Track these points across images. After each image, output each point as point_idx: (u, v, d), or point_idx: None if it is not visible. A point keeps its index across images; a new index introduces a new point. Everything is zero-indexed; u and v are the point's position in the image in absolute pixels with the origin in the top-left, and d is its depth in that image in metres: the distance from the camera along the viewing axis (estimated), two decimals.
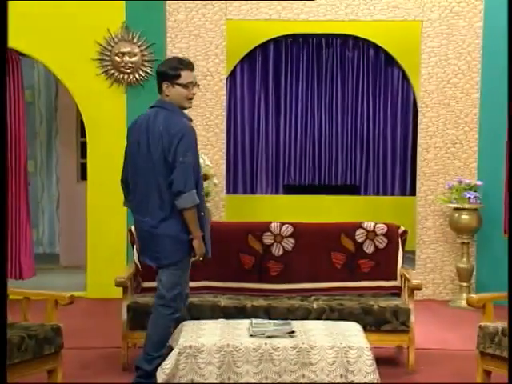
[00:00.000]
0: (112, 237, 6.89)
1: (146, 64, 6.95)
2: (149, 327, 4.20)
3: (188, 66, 4.17)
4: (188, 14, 7.01)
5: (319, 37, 9.95)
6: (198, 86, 4.34)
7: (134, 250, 5.19)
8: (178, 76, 4.13)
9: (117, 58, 6.90)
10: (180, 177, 4.00)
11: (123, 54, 6.90)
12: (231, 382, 3.79)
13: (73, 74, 6.88)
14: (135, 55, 6.92)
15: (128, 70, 6.91)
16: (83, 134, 7.55)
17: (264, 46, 9.82)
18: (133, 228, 5.22)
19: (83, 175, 7.97)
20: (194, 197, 4.03)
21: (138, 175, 4.21)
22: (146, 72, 6.94)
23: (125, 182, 4.40)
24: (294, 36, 9.84)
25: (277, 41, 9.84)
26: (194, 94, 4.17)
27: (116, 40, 6.91)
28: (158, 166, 4.08)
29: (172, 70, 4.15)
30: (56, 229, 9.24)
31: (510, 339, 3.60)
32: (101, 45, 6.91)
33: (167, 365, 3.85)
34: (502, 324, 4.11)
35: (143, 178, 4.17)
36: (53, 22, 6.82)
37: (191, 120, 4.25)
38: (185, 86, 4.14)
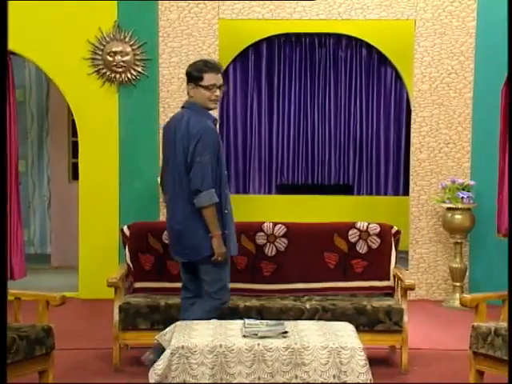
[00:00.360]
0: (104, 237, 6.86)
1: (138, 63, 6.92)
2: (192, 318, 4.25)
3: (212, 68, 4.30)
4: (180, 13, 6.98)
5: (312, 36, 9.93)
6: (222, 87, 4.37)
7: (126, 250, 5.17)
8: (201, 78, 4.27)
9: (109, 57, 6.86)
10: (197, 176, 4.17)
11: (115, 53, 6.86)
12: (224, 382, 3.76)
13: (64, 74, 6.84)
14: (127, 54, 6.89)
15: (120, 70, 6.88)
16: (75, 134, 7.52)
17: (257, 46, 9.79)
18: (125, 228, 5.23)
19: (75, 175, 7.94)
20: (212, 195, 4.18)
21: (168, 174, 4.40)
22: (138, 71, 6.91)
23: (161, 181, 4.62)
24: (287, 35, 9.82)
25: (270, 40, 9.82)
26: (217, 96, 4.30)
27: (108, 39, 6.87)
28: (182, 165, 4.26)
29: (196, 72, 4.31)
30: (47, 229, 9.20)
31: (510, 339, 3.59)
32: (92, 44, 6.87)
33: (159, 365, 3.82)
34: (494, 324, 4.10)
35: (171, 177, 4.36)
36: (44, 20, 6.79)
37: (216, 120, 4.39)
38: (207, 87, 4.27)
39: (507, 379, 3.49)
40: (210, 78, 4.27)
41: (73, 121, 7.45)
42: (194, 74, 4.30)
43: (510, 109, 6.16)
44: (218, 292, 4.39)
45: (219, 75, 4.32)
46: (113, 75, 6.89)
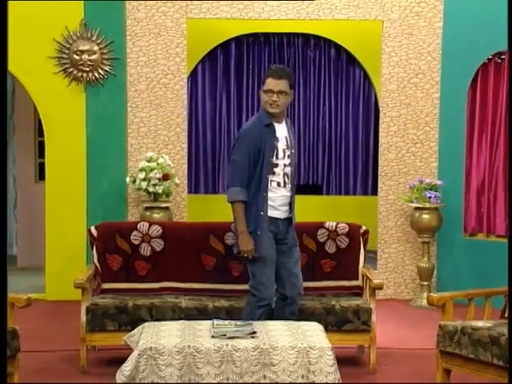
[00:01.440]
0: (71, 238, 6.80)
1: (105, 62, 6.86)
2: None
3: (272, 74, 4.48)
4: (148, 12, 6.93)
5: (281, 36, 9.94)
6: (283, 93, 4.46)
7: (94, 250, 5.12)
8: (263, 82, 4.50)
9: (75, 56, 6.79)
10: (228, 173, 4.59)
11: (82, 51, 6.80)
12: (192, 383, 3.74)
13: (30, 72, 6.76)
14: (94, 53, 6.83)
15: (87, 69, 6.81)
16: (41, 134, 7.44)
17: (225, 45, 9.77)
18: (92, 228, 5.18)
19: (41, 175, 7.85)
20: (237, 193, 4.45)
21: None
22: (106, 70, 6.86)
23: None
24: (256, 35, 9.81)
25: (238, 40, 9.80)
26: (274, 101, 4.41)
27: (74, 38, 6.81)
28: None
29: (263, 77, 4.56)
30: (13, 230, 9.08)
31: (510, 340, 3.61)
32: (59, 42, 6.80)
33: (127, 367, 3.78)
34: (461, 323, 4.13)
35: None
36: (9, 18, 6.67)
37: (271, 125, 4.45)
38: (265, 91, 4.46)
39: (508, 379, 3.51)
40: (268, 83, 4.45)
41: (39, 120, 7.36)
42: (262, 80, 4.56)
43: (510, 107, 6.20)
44: (253, 288, 4.51)
45: (280, 81, 4.44)
46: (80, 74, 6.82)
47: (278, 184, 4.51)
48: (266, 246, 4.48)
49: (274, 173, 4.48)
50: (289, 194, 4.58)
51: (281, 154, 4.50)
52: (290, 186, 4.57)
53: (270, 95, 4.43)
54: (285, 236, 4.59)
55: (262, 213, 4.45)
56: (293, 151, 4.57)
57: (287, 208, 4.60)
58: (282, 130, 4.54)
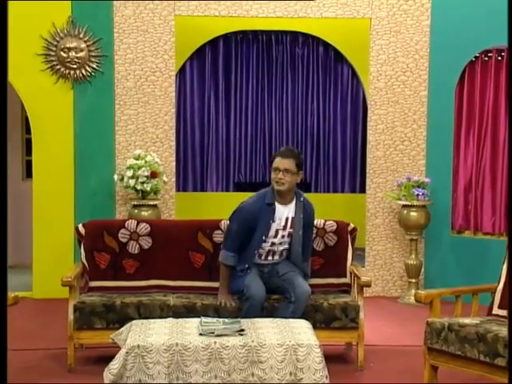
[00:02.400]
0: (59, 235, 6.77)
1: (92, 60, 6.84)
2: None
3: (280, 153, 4.77)
4: (136, 9, 6.91)
5: (269, 33, 9.93)
6: (290, 172, 4.71)
7: (81, 248, 5.10)
8: (271, 161, 4.77)
9: (63, 53, 6.77)
10: (224, 236, 4.91)
11: (69, 49, 6.77)
12: (180, 381, 3.74)
13: (17, 70, 6.69)
14: (82, 50, 6.80)
15: (74, 66, 6.79)
16: (28, 131, 7.40)
17: (213, 43, 9.74)
18: (80, 226, 5.16)
19: (28, 173, 7.81)
20: (226, 258, 4.76)
21: None
22: (93, 68, 6.84)
23: None
24: (244, 32, 9.80)
25: (226, 37, 9.78)
26: (280, 179, 4.68)
27: (62, 35, 6.78)
28: None
29: (272, 157, 4.84)
30: None
31: (510, 339, 3.62)
32: (46, 40, 6.77)
33: (114, 365, 3.78)
34: (448, 320, 4.15)
35: None
36: None
37: (271, 203, 4.73)
38: (273, 170, 4.74)
39: (508, 379, 3.51)
40: (276, 162, 4.73)
41: (26, 118, 7.32)
42: (270, 160, 4.85)
43: (509, 104, 6.22)
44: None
45: (286, 160, 4.69)
46: (67, 71, 6.80)
47: (260, 256, 4.82)
48: (254, 284, 4.66)
49: (260, 247, 4.77)
50: (271, 262, 4.86)
51: (271, 233, 4.75)
52: (276, 257, 4.85)
53: (277, 173, 4.69)
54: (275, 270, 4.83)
55: (240, 273, 4.76)
56: (291, 231, 4.78)
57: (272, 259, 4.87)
58: (284, 211, 4.77)
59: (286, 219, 4.77)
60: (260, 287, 4.65)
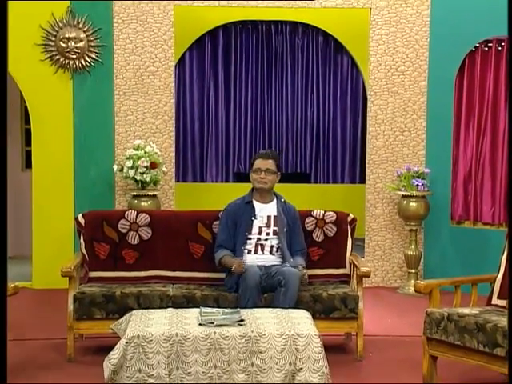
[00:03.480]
0: (58, 226, 6.77)
1: (92, 50, 6.82)
2: None
3: (261, 155, 5.03)
4: None
5: (269, 23, 9.91)
6: (271, 172, 4.97)
7: (81, 239, 5.10)
8: (251, 165, 5.00)
9: (62, 44, 6.75)
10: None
11: (68, 39, 6.75)
12: (179, 371, 3.75)
13: (16, 60, 6.68)
14: (81, 40, 6.78)
15: (74, 56, 6.77)
16: (27, 121, 7.39)
17: (213, 33, 9.73)
18: (79, 216, 5.16)
19: (28, 163, 7.80)
20: (219, 255, 4.88)
21: None
22: (93, 58, 6.82)
23: None
24: (244, 22, 9.78)
25: (226, 27, 9.76)
26: (262, 178, 4.93)
27: (61, 25, 6.76)
28: None
29: (251, 160, 5.07)
30: None
31: (510, 338, 3.63)
32: (45, 29, 6.75)
33: (114, 355, 3.79)
34: (448, 310, 4.15)
35: None
36: None
37: (250, 202, 4.97)
38: (254, 171, 4.96)
39: (508, 379, 3.52)
40: (256, 163, 4.96)
41: (26, 108, 7.31)
42: (250, 163, 5.06)
43: (509, 94, 6.20)
44: None
45: (267, 161, 4.94)
46: (66, 62, 6.78)
47: (249, 251, 4.90)
48: (248, 267, 4.71)
49: (246, 243, 4.90)
50: (261, 258, 4.89)
51: (255, 230, 4.90)
52: (266, 253, 4.91)
53: (259, 173, 4.93)
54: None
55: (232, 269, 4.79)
56: (275, 229, 4.92)
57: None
58: (265, 209, 4.96)
59: (268, 217, 4.95)
60: (254, 267, 4.69)
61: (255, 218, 4.93)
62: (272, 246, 4.92)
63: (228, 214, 4.98)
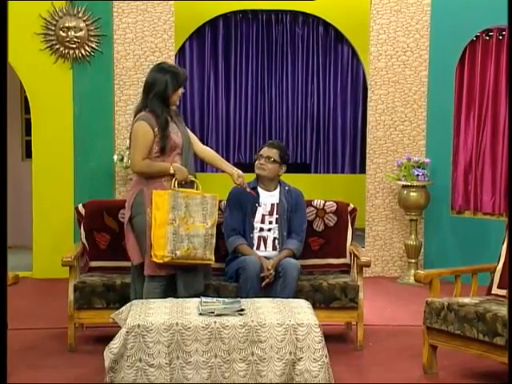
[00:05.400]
0: (59, 216, 6.78)
1: (92, 39, 6.80)
2: None
3: (267, 144, 5.02)
4: None
5: (269, 13, 9.88)
6: (273, 160, 4.93)
7: (81, 229, 5.10)
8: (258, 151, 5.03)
9: (62, 33, 6.73)
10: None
11: (68, 28, 6.74)
12: (180, 360, 3.76)
13: (16, 49, 6.66)
14: (81, 30, 6.77)
15: (73, 45, 6.75)
16: (27, 111, 7.38)
17: (213, 22, 9.71)
18: (80, 206, 5.16)
19: (28, 153, 7.80)
20: (233, 243, 4.86)
21: None
22: (92, 47, 6.80)
23: None
24: (244, 12, 9.75)
25: (226, 17, 9.74)
26: (261, 164, 4.93)
27: (61, 14, 6.74)
28: None
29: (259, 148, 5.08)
30: None
31: (509, 328, 3.64)
32: (45, 19, 6.73)
33: (115, 344, 3.79)
34: (447, 299, 4.16)
35: None
36: None
37: (254, 187, 4.89)
38: (257, 157, 4.98)
39: (508, 379, 3.53)
40: (261, 151, 4.99)
41: (25, 97, 7.30)
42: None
43: (510, 83, 6.18)
44: None
45: (271, 149, 4.94)
46: (66, 51, 6.76)
47: (252, 247, 4.86)
48: (247, 258, 4.73)
49: (253, 231, 4.89)
50: (264, 254, 4.84)
51: (258, 218, 4.89)
52: (269, 249, 4.89)
53: (260, 159, 4.94)
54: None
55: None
56: (277, 217, 4.90)
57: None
58: (268, 197, 4.93)
59: (272, 205, 4.92)
60: (254, 258, 4.70)
61: (259, 206, 4.91)
62: (274, 239, 4.90)
63: (234, 198, 4.94)
